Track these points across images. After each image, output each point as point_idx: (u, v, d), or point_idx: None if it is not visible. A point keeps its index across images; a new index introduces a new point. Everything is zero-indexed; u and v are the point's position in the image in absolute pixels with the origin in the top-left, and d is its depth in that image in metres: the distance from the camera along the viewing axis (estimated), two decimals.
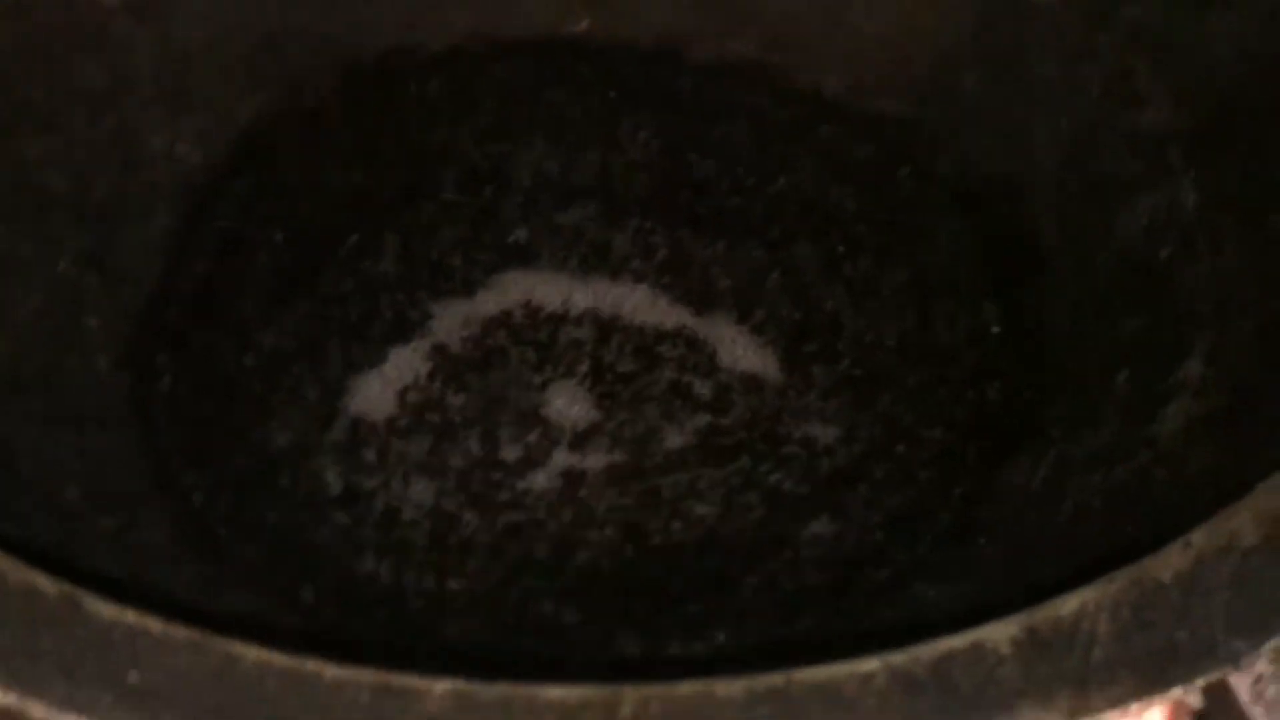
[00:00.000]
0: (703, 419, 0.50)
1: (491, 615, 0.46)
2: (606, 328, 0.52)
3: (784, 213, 0.55)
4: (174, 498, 0.46)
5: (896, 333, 0.52)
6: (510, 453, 0.49)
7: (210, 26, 0.54)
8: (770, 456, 0.49)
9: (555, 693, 0.30)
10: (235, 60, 0.54)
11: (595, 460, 0.49)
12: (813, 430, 0.50)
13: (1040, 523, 0.45)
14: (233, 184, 0.53)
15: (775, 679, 0.30)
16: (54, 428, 0.45)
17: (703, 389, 0.51)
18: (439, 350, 0.51)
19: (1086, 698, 0.31)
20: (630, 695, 0.30)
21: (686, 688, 0.30)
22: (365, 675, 0.30)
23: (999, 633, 0.32)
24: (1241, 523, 0.33)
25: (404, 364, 0.51)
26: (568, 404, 0.50)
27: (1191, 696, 0.46)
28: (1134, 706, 0.31)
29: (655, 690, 0.30)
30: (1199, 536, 0.33)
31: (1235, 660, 0.31)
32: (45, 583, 0.31)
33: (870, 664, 0.31)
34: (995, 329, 0.52)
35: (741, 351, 0.51)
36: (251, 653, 0.30)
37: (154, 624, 0.31)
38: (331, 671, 0.30)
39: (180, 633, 0.31)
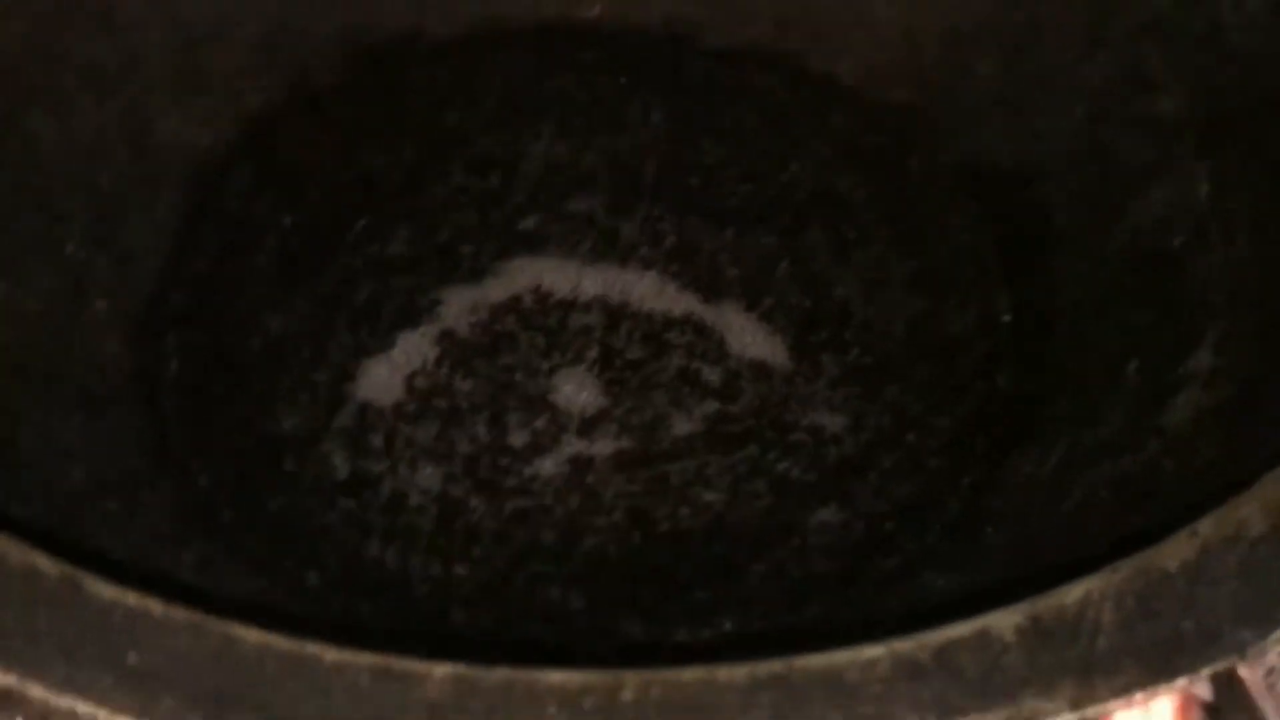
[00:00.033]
0: (711, 406, 0.50)
1: (498, 601, 0.46)
2: (615, 314, 0.52)
3: (794, 200, 0.55)
4: (180, 481, 0.46)
5: (906, 321, 0.52)
6: (518, 439, 0.49)
7: (219, 10, 0.54)
8: (778, 444, 0.49)
9: (556, 677, 0.30)
10: (244, 44, 0.54)
11: (603, 446, 0.49)
12: (821, 418, 0.50)
13: (1049, 512, 0.45)
14: (241, 168, 0.53)
15: (777, 665, 0.30)
16: (60, 409, 0.45)
17: (711, 376, 0.50)
18: (447, 336, 0.51)
19: (1091, 687, 0.30)
20: (631, 680, 0.30)
21: (688, 673, 0.30)
22: (365, 658, 0.30)
23: (1004, 621, 0.31)
24: (1249, 512, 0.33)
25: (412, 349, 0.51)
26: (576, 390, 0.50)
27: (1202, 689, 0.46)
28: (1139, 696, 0.31)
29: (657, 675, 0.30)
30: (1206, 526, 0.33)
31: (1241, 650, 0.31)
32: (45, 563, 0.31)
33: (874, 651, 0.31)
34: (1005, 318, 0.51)
35: (750, 339, 0.51)
36: (252, 635, 0.30)
37: (154, 606, 0.31)
38: (332, 654, 0.30)
39: (180, 614, 0.31)
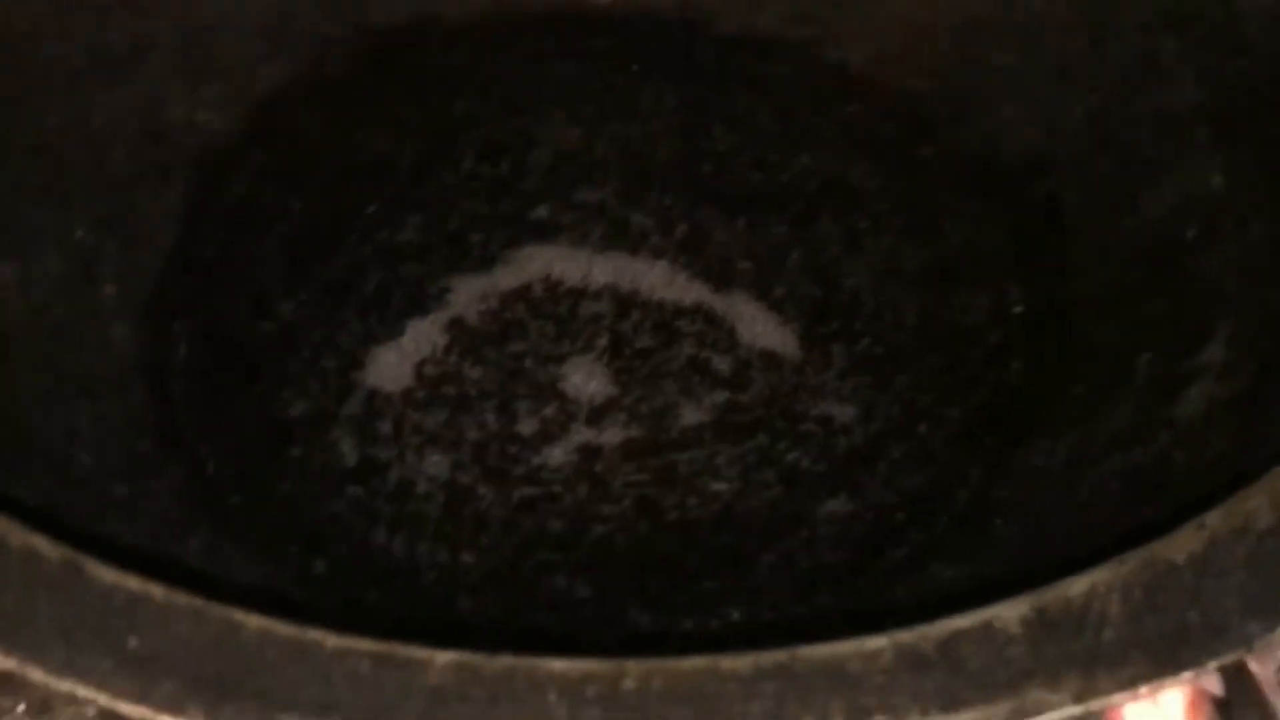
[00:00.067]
0: (721, 395, 0.50)
1: (505, 589, 0.46)
2: (625, 303, 0.52)
3: (806, 189, 0.55)
4: (187, 466, 0.46)
5: (917, 312, 0.52)
6: (527, 427, 0.49)
7: None
8: (788, 434, 0.49)
9: (558, 665, 0.30)
10: (255, 29, 0.54)
11: (612, 435, 0.49)
12: (831, 408, 0.49)
13: (1058, 504, 0.44)
14: (251, 153, 0.53)
15: (780, 655, 0.30)
16: (68, 393, 0.45)
17: (721, 365, 0.50)
18: (457, 323, 0.51)
19: (1096, 679, 0.30)
20: (634, 669, 0.30)
21: (691, 663, 0.30)
22: (366, 645, 0.30)
23: (1009, 612, 0.31)
24: (1257, 504, 0.33)
25: (421, 337, 0.51)
26: (585, 379, 0.50)
27: (1213, 684, 0.46)
28: (1144, 689, 0.31)
29: (659, 664, 0.30)
30: (1213, 518, 0.33)
31: (1248, 643, 0.31)
32: (46, 547, 0.31)
33: (878, 642, 0.31)
34: (1017, 309, 0.51)
35: (760, 328, 0.51)
36: (253, 621, 0.30)
37: (156, 590, 0.31)
38: (333, 641, 0.30)
39: (182, 599, 0.31)
